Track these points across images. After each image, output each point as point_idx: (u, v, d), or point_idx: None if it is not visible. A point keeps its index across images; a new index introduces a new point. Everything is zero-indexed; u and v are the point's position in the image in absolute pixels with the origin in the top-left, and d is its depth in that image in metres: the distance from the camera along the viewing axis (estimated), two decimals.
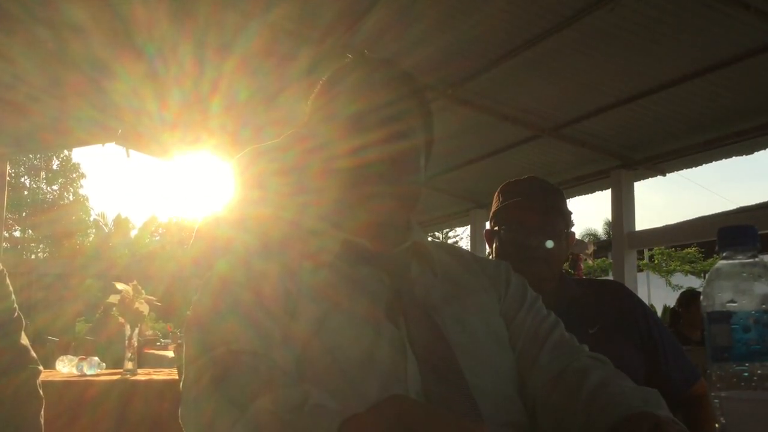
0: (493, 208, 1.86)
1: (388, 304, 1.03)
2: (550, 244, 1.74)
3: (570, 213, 1.83)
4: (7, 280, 1.46)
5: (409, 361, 0.96)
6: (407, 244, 1.12)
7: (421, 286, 1.10)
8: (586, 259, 11.18)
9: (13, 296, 1.46)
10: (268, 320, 0.95)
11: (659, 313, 12.32)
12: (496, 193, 1.87)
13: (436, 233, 19.71)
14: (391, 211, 1.08)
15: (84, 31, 4.70)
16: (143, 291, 3.88)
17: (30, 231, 28.00)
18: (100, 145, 6.78)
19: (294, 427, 0.73)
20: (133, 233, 26.97)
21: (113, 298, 3.82)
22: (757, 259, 0.82)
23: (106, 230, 28.54)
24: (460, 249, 1.26)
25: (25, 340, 1.46)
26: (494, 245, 1.82)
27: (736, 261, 0.82)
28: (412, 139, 1.09)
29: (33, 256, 26.99)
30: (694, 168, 8.39)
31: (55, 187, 29.86)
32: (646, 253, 18.16)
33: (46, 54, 4.93)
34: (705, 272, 17.00)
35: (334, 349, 0.95)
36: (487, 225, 1.89)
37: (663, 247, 17.04)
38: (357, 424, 0.70)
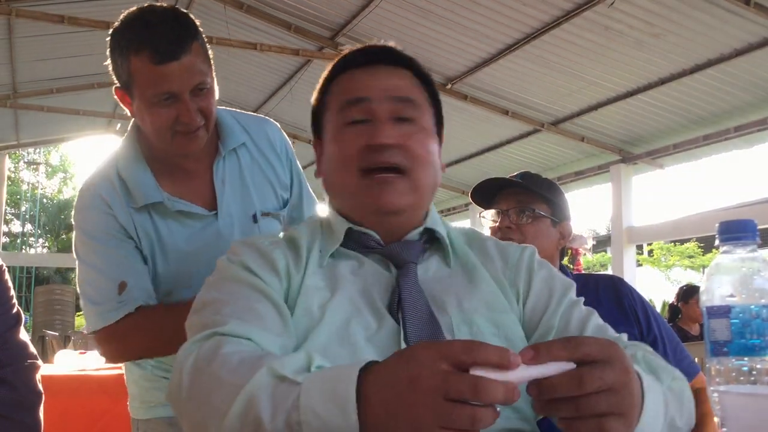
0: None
1: (391, 297, 1.01)
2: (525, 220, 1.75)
3: (560, 203, 1.82)
4: (7, 276, 1.45)
5: None
6: (419, 230, 1.08)
7: (431, 280, 1.06)
8: (584, 254, 11.17)
9: (13, 291, 1.45)
10: (267, 311, 0.95)
11: (658, 308, 12.33)
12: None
13: None
14: (402, 201, 1.04)
15: None
16: None
17: (29, 225, 27.99)
18: (99, 135, 6.78)
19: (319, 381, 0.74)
20: None
21: None
22: (756, 254, 0.81)
23: None
24: (481, 235, 1.19)
25: (24, 335, 1.45)
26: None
27: (736, 255, 0.82)
28: (425, 128, 1.07)
29: (32, 251, 26.98)
30: (693, 162, 8.43)
31: (54, 181, 29.85)
32: (645, 248, 18.17)
33: None
34: (704, 267, 17.01)
35: (333, 341, 0.94)
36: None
37: (662, 242, 17.05)
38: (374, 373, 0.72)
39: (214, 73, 1.45)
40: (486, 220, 1.83)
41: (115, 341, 1.49)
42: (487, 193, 1.85)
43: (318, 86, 1.14)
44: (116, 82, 1.45)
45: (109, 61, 1.43)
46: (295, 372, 0.76)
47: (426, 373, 0.66)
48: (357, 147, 1.02)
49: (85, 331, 1.54)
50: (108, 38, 1.42)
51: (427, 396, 0.65)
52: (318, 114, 1.13)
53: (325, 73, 1.13)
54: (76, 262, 1.52)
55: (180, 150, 1.47)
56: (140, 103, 1.41)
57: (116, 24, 1.41)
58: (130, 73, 1.38)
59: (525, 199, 1.78)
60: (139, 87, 1.39)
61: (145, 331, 1.48)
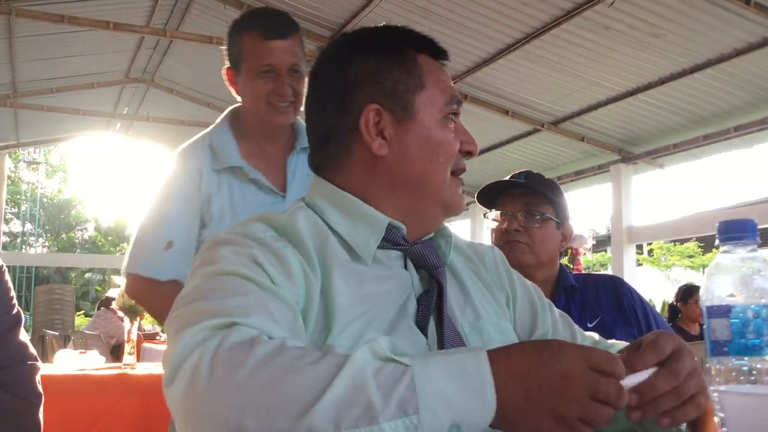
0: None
1: (423, 309, 0.97)
2: (532, 223, 1.75)
3: (562, 204, 1.82)
4: (7, 276, 1.46)
5: None
6: (440, 229, 1.05)
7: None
8: (584, 254, 11.17)
9: (13, 292, 1.46)
10: (281, 313, 0.84)
11: (658, 308, 12.34)
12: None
13: None
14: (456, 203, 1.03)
15: None
16: None
17: (29, 225, 27.98)
18: (99, 134, 6.81)
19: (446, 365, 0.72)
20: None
21: (112, 292, 3.81)
22: (756, 254, 0.81)
23: (105, 224, 28.56)
24: (457, 238, 1.14)
25: (24, 335, 1.45)
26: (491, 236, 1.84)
27: (736, 255, 0.82)
28: None
29: (32, 250, 26.97)
30: (693, 162, 8.42)
31: (54, 181, 29.83)
32: (645, 248, 18.16)
33: None
34: (704, 267, 17.00)
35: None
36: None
37: (662, 242, 17.04)
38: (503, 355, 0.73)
39: (305, 68, 1.70)
40: (490, 221, 1.83)
41: (144, 294, 1.83)
42: (489, 194, 1.85)
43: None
44: (227, 63, 1.76)
45: (225, 47, 1.77)
46: (396, 354, 0.72)
47: (579, 371, 0.70)
48: (457, 148, 1.00)
49: (122, 271, 1.84)
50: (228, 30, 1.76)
51: (580, 392, 0.70)
52: (406, 95, 0.99)
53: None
54: (149, 204, 1.82)
55: (270, 120, 1.73)
56: (245, 77, 1.70)
57: (234, 20, 1.77)
58: (240, 48, 1.70)
59: (531, 201, 1.77)
60: (246, 61, 1.69)
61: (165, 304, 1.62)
